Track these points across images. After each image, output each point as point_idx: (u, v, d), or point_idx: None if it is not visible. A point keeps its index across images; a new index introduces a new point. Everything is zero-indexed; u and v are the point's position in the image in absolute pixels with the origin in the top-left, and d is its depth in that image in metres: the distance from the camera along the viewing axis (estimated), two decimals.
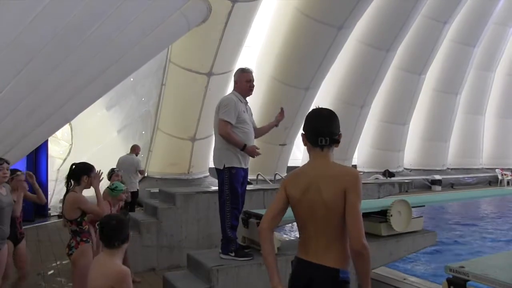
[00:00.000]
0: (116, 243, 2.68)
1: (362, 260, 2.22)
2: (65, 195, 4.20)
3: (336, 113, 2.48)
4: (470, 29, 18.91)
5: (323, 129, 2.40)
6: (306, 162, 2.50)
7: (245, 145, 4.33)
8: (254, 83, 4.65)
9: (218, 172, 4.41)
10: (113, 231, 2.69)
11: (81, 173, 4.13)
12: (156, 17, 7.77)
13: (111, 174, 6.24)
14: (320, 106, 2.51)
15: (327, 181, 2.32)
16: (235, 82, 4.58)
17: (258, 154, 4.44)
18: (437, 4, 16.48)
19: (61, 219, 10.79)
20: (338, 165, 2.41)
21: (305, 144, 2.47)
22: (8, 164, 4.19)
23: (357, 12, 12.85)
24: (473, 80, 20.78)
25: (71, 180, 4.15)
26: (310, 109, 2.53)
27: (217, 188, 4.52)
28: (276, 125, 4.92)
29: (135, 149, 10.00)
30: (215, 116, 4.49)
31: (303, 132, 2.47)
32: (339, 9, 12.62)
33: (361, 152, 18.42)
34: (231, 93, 4.60)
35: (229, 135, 4.30)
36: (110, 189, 5.17)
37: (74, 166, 4.21)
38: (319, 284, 2.32)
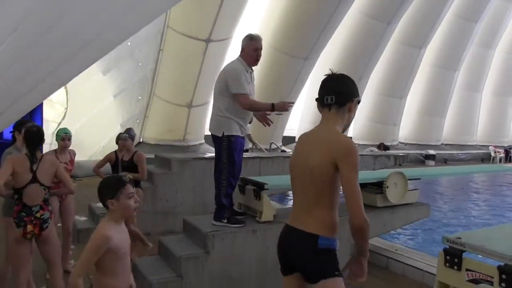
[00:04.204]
0: (103, 205, 2.54)
1: (363, 234, 2.17)
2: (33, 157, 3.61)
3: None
4: (473, 4, 18.69)
5: (328, 88, 2.37)
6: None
7: (273, 104, 4.20)
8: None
9: (216, 140, 4.30)
10: (98, 194, 2.54)
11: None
12: None
13: (118, 139, 5.73)
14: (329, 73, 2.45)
15: (316, 147, 2.29)
16: (242, 49, 4.32)
17: (289, 106, 4.24)
18: None
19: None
20: (335, 133, 2.32)
21: (319, 110, 2.43)
22: None
23: None
24: (472, 56, 20.66)
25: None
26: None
27: (213, 155, 4.48)
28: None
29: None
30: (219, 83, 4.31)
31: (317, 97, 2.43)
32: None
33: (357, 125, 18.41)
34: (237, 60, 4.34)
35: (254, 105, 4.21)
36: (56, 133, 4.93)
37: (35, 129, 3.81)
38: (297, 250, 2.30)
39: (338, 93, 2.34)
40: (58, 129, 4.95)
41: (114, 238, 2.40)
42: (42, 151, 3.75)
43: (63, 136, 4.82)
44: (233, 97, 4.17)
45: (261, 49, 4.33)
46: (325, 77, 2.42)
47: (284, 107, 4.19)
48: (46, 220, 3.54)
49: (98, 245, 2.37)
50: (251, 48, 4.27)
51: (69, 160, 4.92)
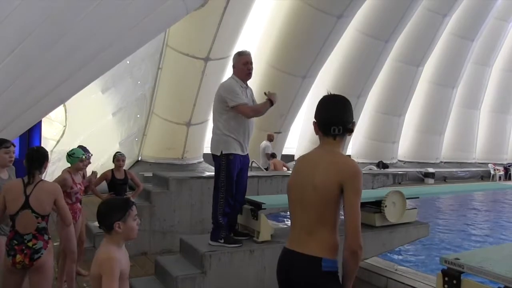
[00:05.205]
0: (103, 228, 2.45)
1: (355, 259, 2.12)
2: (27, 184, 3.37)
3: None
4: (470, 23, 18.85)
5: (335, 118, 2.28)
6: (316, 147, 2.39)
7: (270, 100, 4.36)
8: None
9: (215, 158, 4.32)
10: (98, 216, 2.46)
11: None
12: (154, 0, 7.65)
13: (114, 157, 6.00)
14: (333, 93, 2.36)
15: (321, 167, 2.22)
16: (233, 66, 4.43)
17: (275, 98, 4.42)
18: None
19: None
20: (341, 155, 2.27)
21: (317, 133, 2.35)
22: (15, 146, 3.89)
23: (357, 1, 12.75)
24: (470, 74, 20.78)
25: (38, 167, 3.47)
26: (322, 96, 2.39)
27: (211, 173, 4.48)
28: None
29: (267, 136, 12.27)
30: (215, 102, 4.36)
31: (315, 121, 2.34)
32: None
33: (355, 142, 18.42)
34: (231, 77, 4.44)
35: (256, 110, 4.32)
36: (68, 154, 4.85)
37: (35, 149, 3.62)
38: (299, 274, 2.20)
39: (346, 123, 2.29)
40: (74, 149, 4.93)
41: (121, 261, 2.36)
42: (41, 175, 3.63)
43: (82, 158, 4.88)
44: (234, 110, 4.21)
45: (251, 63, 4.41)
46: (326, 102, 2.34)
47: (274, 98, 4.39)
48: (38, 250, 3.31)
49: (114, 268, 2.30)
50: (241, 62, 4.38)
51: (81, 180, 5.02)
